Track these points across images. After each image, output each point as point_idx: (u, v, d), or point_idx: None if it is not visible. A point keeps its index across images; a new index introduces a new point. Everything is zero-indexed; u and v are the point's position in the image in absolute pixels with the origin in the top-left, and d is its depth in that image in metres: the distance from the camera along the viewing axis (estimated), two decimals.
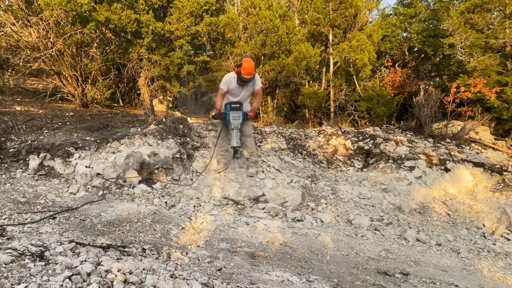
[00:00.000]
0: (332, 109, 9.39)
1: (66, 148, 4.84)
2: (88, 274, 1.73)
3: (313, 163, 5.57)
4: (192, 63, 8.45)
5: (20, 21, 7.26)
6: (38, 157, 4.67)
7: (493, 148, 6.10)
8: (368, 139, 6.14)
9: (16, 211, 3.29)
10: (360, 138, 6.28)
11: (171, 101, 9.80)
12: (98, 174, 4.43)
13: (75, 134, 5.38)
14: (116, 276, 1.76)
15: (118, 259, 2.14)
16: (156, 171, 4.68)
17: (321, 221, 4.02)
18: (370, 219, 4.17)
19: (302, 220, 3.97)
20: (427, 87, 11.25)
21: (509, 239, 3.91)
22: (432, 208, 4.56)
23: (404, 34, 12.23)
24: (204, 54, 10.22)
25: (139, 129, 5.71)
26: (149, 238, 2.91)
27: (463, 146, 6.10)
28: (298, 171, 5.11)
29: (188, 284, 1.88)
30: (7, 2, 7.45)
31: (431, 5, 12.13)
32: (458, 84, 7.55)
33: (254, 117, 4.81)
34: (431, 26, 11.36)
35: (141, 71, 7.89)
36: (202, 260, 2.56)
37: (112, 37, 8.27)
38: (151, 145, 4.93)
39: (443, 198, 4.78)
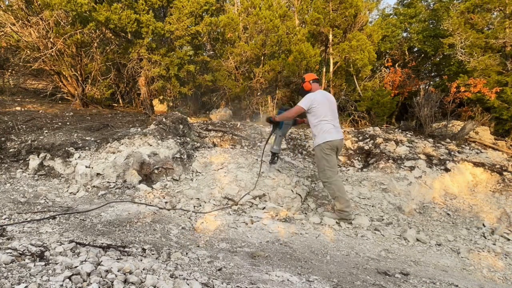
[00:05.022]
0: None
1: (66, 148, 4.84)
2: (88, 274, 1.73)
3: (313, 163, 5.57)
4: (192, 63, 8.45)
5: (20, 21, 7.25)
6: (38, 157, 4.67)
7: (493, 148, 6.10)
8: (368, 139, 6.15)
9: (16, 211, 3.29)
10: (360, 138, 6.28)
11: (171, 101, 9.81)
12: (98, 174, 4.43)
13: (75, 134, 5.38)
14: (116, 276, 1.76)
15: (118, 259, 2.14)
16: (156, 171, 4.68)
17: (321, 221, 4.02)
18: (370, 219, 4.17)
19: (302, 220, 3.97)
20: (427, 87, 11.29)
21: (509, 239, 3.91)
22: (432, 208, 4.56)
23: (404, 34, 12.23)
24: (204, 54, 10.22)
25: (139, 129, 5.72)
26: (149, 238, 2.91)
27: (463, 146, 6.10)
28: (298, 171, 5.11)
29: (188, 284, 1.88)
30: (7, 2, 7.44)
31: (431, 5, 12.13)
32: (458, 84, 7.55)
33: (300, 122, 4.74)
34: (431, 26, 11.36)
35: (141, 71, 7.88)
36: (202, 260, 2.56)
37: (112, 37, 8.27)
38: (151, 145, 4.93)
39: (443, 198, 4.78)
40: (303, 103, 4.05)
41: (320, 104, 4.02)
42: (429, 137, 6.39)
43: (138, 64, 7.91)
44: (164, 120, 5.66)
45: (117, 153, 4.71)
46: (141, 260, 2.21)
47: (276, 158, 4.71)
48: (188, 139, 5.53)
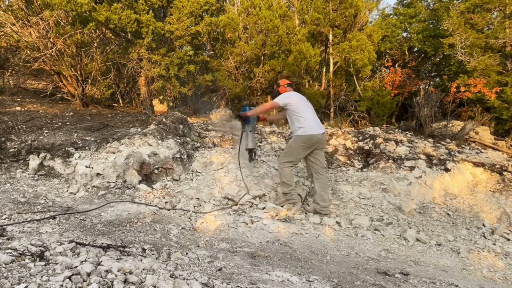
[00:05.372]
0: (332, 109, 9.39)
1: (66, 148, 4.84)
2: (88, 274, 1.73)
3: None
4: (192, 63, 8.45)
5: (20, 21, 7.25)
6: (38, 157, 4.67)
7: (493, 148, 6.10)
8: (368, 139, 6.15)
9: (16, 211, 3.29)
10: (360, 138, 6.28)
11: (171, 101, 9.81)
12: (98, 174, 4.43)
13: (75, 134, 5.38)
14: (116, 276, 1.76)
15: (118, 259, 2.14)
16: (156, 171, 4.68)
17: (321, 221, 4.02)
18: (370, 219, 4.17)
19: (302, 220, 3.97)
20: (427, 87, 11.30)
21: (509, 239, 3.91)
22: (432, 208, 4.56)
23: (404, 34, 12.23)
24: (204, 54, 10.22)
25: (139, 129, 5.72)
26: (149, 238, 2.91)
27: (463, 146, 6.11)
28: (298, 171, 5.11)
29: (188, 284, 1.88)
30: (7, 2, 7.44)
31: (431, 5, 12.13)
32: (458, 84, 7.56)
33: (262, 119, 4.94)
34: (431, 26, 11.37)
35: (141, 71, 7.88)
36: (202, 260, 2.56)
37: (112, 37, 8.27)
38: (151, 145, 4.93)
39: (443, 198, 4.78)
40: (279, 99, 4.28)
41: (298, 101, 4.28)
42: (429, 137, 6.39)
43: (138, 64, 7.91)
44: (164, 120, 5.66)
45: (117, 153, 4.71)
46: (141, 260, 2.21)
47: (253, 154, 4.75)
48: (188, 139, 5.53)
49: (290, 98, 4.27)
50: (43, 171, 4.57)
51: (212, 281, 2.04)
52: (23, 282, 1.58)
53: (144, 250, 2.54)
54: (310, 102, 4.54)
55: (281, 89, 4.48)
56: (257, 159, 4.85)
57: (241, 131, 4.74)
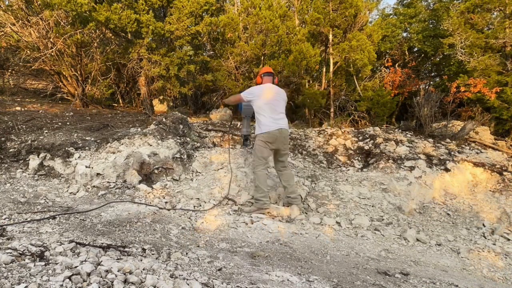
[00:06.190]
0: (332, 109, 9.39)
1: (66, 148, 4.84)
2: (88, 274, 1.73)
3: (313, 163, 5.58)
4: (192, 63, 8.45)
5: (20, 21, 7.26)
6: (38, 157, 4.67)
7: (493, 148, 6.10)
8: (368, 139, 6.15)
9: (16, 211, 3.29)
10: (360, 138, 6.28)
11: (171, 101, 9.81)
12: (98, 174, 4.43)
13: (75, 134, 5.38)
14: (116, 276, 1.76)
15: (118, 259, 2.14)
16: (156, 171, 4.68)
17: (321, 221, 4.02)
18: (370, 219, 4.17)
19: (302, 220, 3.97)
20: (427, 87, 11.30)
21: (509, 239, 3.91)
22: (432, 208, 4.56)
23: (404, 34, 12.24)
24: (204, 54, 10.21)
25: (139, 129, 5.72)
26: (149, 238, 2.91)
27: (463, 146, 6.10)
28: (298, 171, 5.12)
29: (188, 284, 1.88)
30: (7, 2, 7.45)
31: (431, 5, 12.14)
32: (458, 84, 7.56)
33: None
34: (431, 26, 11.37)
35: (141, 71, 7.88)
36: (202, 260, 2.56)
37: (112, 37, 8.27)
38: (151, 145, 4.93)
39: (443, 198, 4.78)
40: (244, 93, 4.27)
41: (258, 97, 4.16)
42: (429, 137, 6.39)
43: (138, 64, 7.91)
44: (164, 120, 5.66)
45: (117, 153, 4.71)
46: (141, 260, 2.21)
47: (247, 140, 4.73)
48: (188, 139, 5.53)
49: (253, 93, 4.18)
50: (43, 171, 4.57)
51: (212, 281, 2.04)
52: (23, 282, 1.58)
53: (144, 250, 2.54)
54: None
55: (257, 79, 4.42)
56: (249, 145, 4.83)
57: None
